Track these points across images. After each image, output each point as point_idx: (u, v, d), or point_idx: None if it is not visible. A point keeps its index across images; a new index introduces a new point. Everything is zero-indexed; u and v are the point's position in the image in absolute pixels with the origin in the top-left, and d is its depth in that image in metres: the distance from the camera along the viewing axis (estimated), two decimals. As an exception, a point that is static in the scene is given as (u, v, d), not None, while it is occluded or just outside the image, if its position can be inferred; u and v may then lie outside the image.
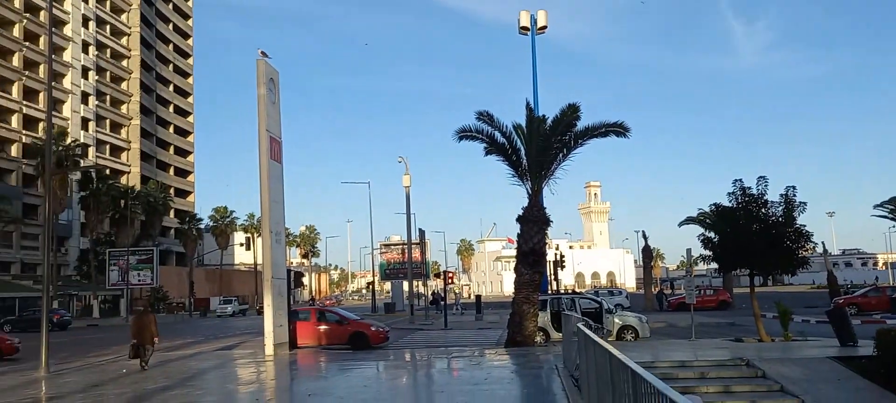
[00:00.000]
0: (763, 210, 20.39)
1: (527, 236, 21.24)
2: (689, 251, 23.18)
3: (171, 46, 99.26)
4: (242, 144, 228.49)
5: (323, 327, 24.25)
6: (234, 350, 25.09)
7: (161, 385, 14.85)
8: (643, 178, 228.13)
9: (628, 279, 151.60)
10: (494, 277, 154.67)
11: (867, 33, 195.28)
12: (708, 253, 21.61)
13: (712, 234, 21.59)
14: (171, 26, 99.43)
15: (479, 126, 21.78)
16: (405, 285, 63.78)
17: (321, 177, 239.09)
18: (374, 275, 63.32)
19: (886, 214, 37.21)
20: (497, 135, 21.67)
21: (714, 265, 23.12)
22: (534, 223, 21.28)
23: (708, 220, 22.64)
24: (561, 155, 21.35)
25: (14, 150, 66.23)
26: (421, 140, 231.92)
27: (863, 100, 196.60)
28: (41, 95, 69.44)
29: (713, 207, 21.71)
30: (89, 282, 66.94)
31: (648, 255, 49.41)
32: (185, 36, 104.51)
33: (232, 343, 29.34)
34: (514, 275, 21.77)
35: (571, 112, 20.66)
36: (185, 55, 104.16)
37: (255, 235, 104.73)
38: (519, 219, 21.63)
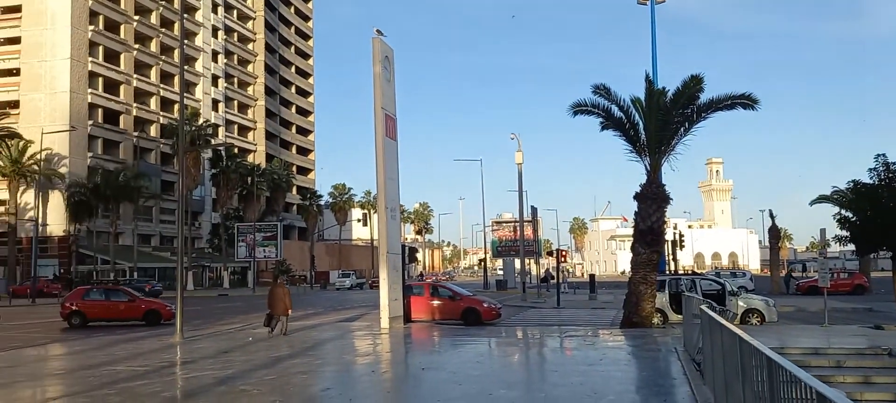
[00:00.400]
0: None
1: (644, 214, 20.48)
2: (823, 231, 21.79)
3: (292, 29, 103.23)
4: (360, 123, 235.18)
5: (436, 302, 24.54)
6: (352, 322, 25.85)
7: (284, 354, 15.49)
8: (769, 155, 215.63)
9: (752, 261, 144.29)
10: (608, 256, 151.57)
11: None
12: (845, 233, 20.08)
13: (850, 214, 20.01)
14: (292, 9, 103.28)
15: (596, 100, 21.12)
16: (517, 262, 63.65)
17: (434, 154, 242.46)
18: (485, 252, 63.56)
19: None
20: (614, 109, 20.94)
21: (850, 247, 21.44)
22: (652, 200, 20.47)
23: (844, 199, 21.01)
24: (682, 129, 20.37)
25: (153, 131, 71.23)
26: (534, 116, 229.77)
27: None
28: (176, 78, 74.12)
29: (851, 185, 20.09)
30: (220, 255, 71.30)
31: (775, 235, 46.61)
32: (306, 18, 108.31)
33: (350, 315, 30.28)
34: (631, 255, 21.07)
35: (694, 84, 19.62)
36: (306, 37, 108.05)
37: (372, 211, 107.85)
38: (636, 197, 20.88)
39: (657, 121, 20.08)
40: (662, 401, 9.07)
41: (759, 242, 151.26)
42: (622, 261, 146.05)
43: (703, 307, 9.94)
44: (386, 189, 21.96)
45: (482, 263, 72.04)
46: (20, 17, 62.53)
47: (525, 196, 41.26)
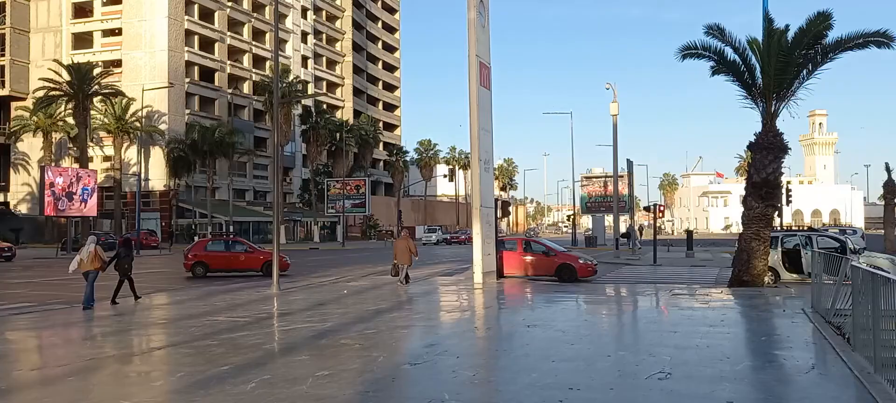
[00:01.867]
0: None
1: (760, 165, 18.97)
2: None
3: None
4: (444, 80, 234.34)
5: (529, 258, 23.83)
6: (444, 277, 25.51)
7: (383, 307, 15.20)
8: (879, 107, 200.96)
9: (855, 219, 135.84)
10: (699, 213, 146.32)
11: None
12: None
13: None
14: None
15: (708, 42, 19.56)
16: (608, 219, 61.92)
17: (519, 108, 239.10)
18: (574, 208, 62.20)
19: None
20: (728, 51, 19.34)
21: None
22: (768, 150, 18.92)
23: None
24: (805, 72, 18.62)
25: (246, 88, 72.86)
26: (623, 70, 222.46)
27: None
28: (268, 35, 75.33)
29: None
30: (310, 209, 72.82)
31: (892, 190, 43.09)
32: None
33: (441, 269, 30.02)
34: (743, 209, 19.64)
35: (821, 21, 17.79)
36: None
37: (457, 167, 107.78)
38: (751, 146, 19.38)
39: (778, 64, 18.39)
40: (810, 367, 8.06)
41: (864, 199, 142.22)
42: (714, 219, 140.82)
43: (858, 263, 8.79)
44: (480, 140, 21.23)
45: (570, 219, 70.49)
46: (121, -21, 64.75)
47: (617, 150, 39.57)
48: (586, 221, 78.56)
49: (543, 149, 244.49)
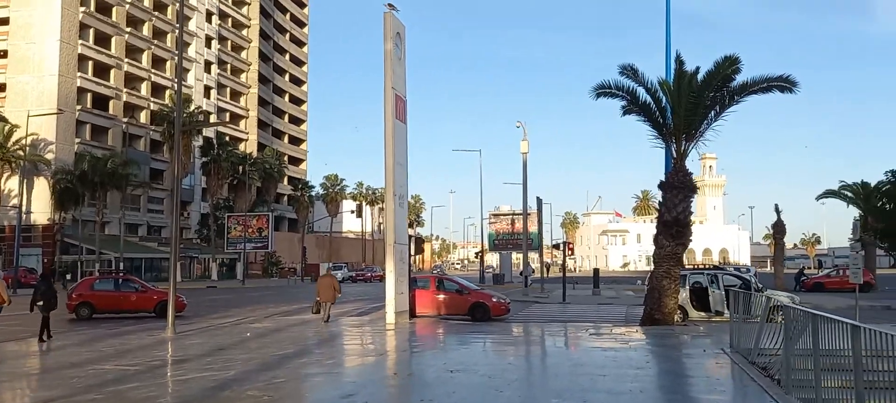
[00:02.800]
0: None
1: (670, 204, 19.25)
2: (856, 221, 20.47)
3: (288, 16, 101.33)
4: (353, 113, 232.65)
5: (442, 296, 23.25)
6: (353, 317, 24.52)
7: (290, 352, 14.14)
8: (758, 150, 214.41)
9: (742, 257, 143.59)
10: (599, 251, 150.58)
11: None
12: (877, 226, 18.93)
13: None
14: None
15: (621, 81, 19.85)
16: (515, 256, 62.30)
17: (425, 144, 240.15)
18: (482, 246, 62.34)
19: None
20: (640, 91, 19.71)
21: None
22: (678, 189, 19.25)
23: (858, 195, 19.81)
24: (713, 113, 19.15)
25: (143, 117, 69.32)
26: (527, 111, 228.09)
27: None
28: (168, 63, 72.24)
29: (891, 176, 18.89)
30: (208, 246, 69.61)
31: (780, 230, 45.52)
32: (302, 5, 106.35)
33: (348, 308, 28.94)
34: (654, 247, 19.84)
35: (730, 64, 18.36)
36: (301, 24, 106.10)
37: (365, 203, 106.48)
38: (661, 186, 19.68)
39: (688, 105, 18.82)
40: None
41: (750, 239, 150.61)
42: (613, 257, 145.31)
43: (784, 300, 8.68)
44: (394, 174, 20.63)
45: (478, 256, 70.64)
46: (7, -3, 60.58)
47: (520, 188, 39.88)
48: (492, 259, 79.03)
49: (450, 185, 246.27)
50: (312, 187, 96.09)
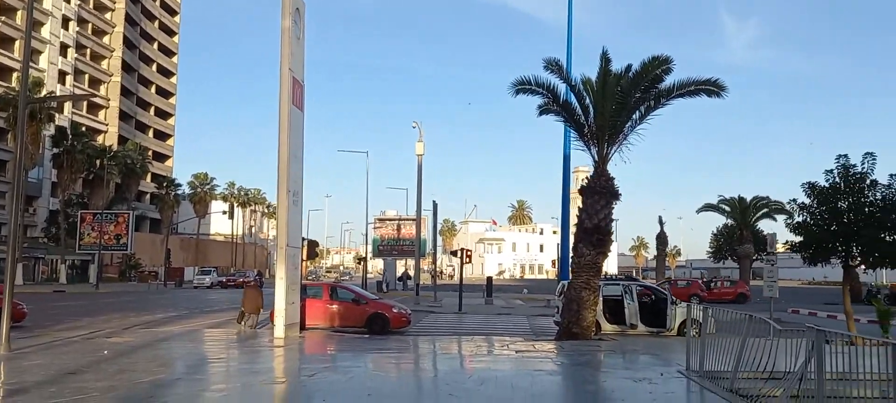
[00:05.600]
0: (872, 191, 17.39)
1: (592, 210, 17.97)
2: (772, 236, 20.17)
3: (158, 2, 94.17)
4: (224, 111, 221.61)
5: (336, 306, 20.91)
6: (230, 329, 21.54)
7: (164, 377, 11.40)
8: (621, 169, 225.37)
9: (610, 268, 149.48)
10: (476, 259, 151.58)
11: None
12: (798, 238, 18.63)
13: (804, 217, 18.56)
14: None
15: (542, 78, 18.41)
16: (402, 263, 60.48)
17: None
18: (366, 251, 59.86)
19: None
20: (561, 89, 18.38)
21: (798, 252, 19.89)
22: (600, 195, 18.02)
23: (734, 209, 19.45)
24: (638, 115, 18.08)
25: (-17, 100, 61.19)
26: (404, 113, 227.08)
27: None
28: (17, 43, 64.46)
29: (807, 187, 18.60)
30: (57, 245, 62.56)
31: (663, 242, 46.66)
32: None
33: (222, 319, 25.77)
34: (572, 255, 18.54)
35: (659, 64, 17.33)
36: (173, 12, 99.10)
37: (236, 204, 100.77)
38: (582, 191, 18.38)
39: (612, 106, 17.65)
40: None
41: (616, 249, 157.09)
42: (489, 265, 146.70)
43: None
44: (289, 167, 18.05)
45: (361, 263, 68.10)
46: None
47: (404, 193, 38.10)
48: (375, 265, 76.76)
49: (326, 189, 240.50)
50: (179, 185, 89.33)
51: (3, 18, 63.41)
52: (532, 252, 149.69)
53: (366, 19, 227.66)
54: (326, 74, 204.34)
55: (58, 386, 10.27)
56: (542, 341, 18.07)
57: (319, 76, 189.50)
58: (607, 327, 19.85)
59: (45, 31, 68.53)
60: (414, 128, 39.12)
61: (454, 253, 34.40)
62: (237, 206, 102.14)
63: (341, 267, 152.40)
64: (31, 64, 60.85)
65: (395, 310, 21.10)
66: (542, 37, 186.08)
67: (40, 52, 67.53)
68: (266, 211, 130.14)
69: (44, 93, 59.89)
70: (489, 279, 39.70)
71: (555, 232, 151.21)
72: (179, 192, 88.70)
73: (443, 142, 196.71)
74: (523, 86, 18.42)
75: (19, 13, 64.91)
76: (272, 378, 11.94)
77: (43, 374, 11.44)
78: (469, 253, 32.14)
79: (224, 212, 77.30)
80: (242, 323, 20.29)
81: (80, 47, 76.30)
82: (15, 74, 62.21)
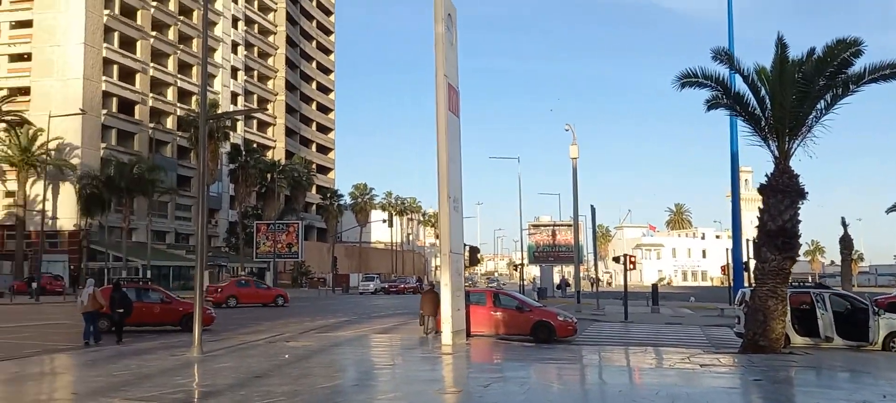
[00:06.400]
0: None
1: (775, 211, 16.47)
2: None
3: (314, 23, 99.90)
4: (380, 123, 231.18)
5: (499, 313, 20.65)
6: (397, 335, 21.98)
7: (343, 382, 11.69)
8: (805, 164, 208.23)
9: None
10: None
11: None
12: None
13: None
14: (314, 2, 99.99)
15: (709, 70, 17.18)
16: (557, 270, 59.60)
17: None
18: (522, 258, 59.57)
19: None
20: (734, 80, 17.05)
21: None
22: (784, 194, 16.46)
23: None
24: (822, 104, 16.35)
25: (169, 123, 67.78)
26: (552, 121, 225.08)
27: None
28: (194, 68, 70.77)
29: None
30: (237, 254, 67.70)
31: (848, 246, 42.35)
32: (328, 12, 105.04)
33: (389, 324, 26.45)
34: (756, 262, 17.07)
35: (845, 47, 15.56)
36: (328, 32, 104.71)
37: (393, 213, 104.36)
38: (762, 189, 16.91)
39: (795, 94, 16.07)
40: None
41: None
42: (648, 271, 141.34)
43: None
44: (448, 173, 18.09)
45: (518, 269, 67.92)
46: (32, 0, 59.33)
47: (563, 201, 37.17)
48: (532, 271, 76.28)
49: (476, 197, 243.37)
50: (341, 196, 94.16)
51: (181, 47, 69.71)
52: (693, 257, 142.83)
53: (511, 24, 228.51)
54: (473, 80, 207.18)
55: (246, 390, 10.76)
56: (724, 354, 16.76)
57: (467, 82, 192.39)
58: (797, 339, 18.07)
59: (217, 57, 74.58)
60: (567, 130, 38.37)
61: (617, 260, 33.19)
62: (395, 215, 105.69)
63: (495, 274, 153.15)
64: (207, 87, 66.35)
65: (560, 318, 20.54)
66: (692, 33, 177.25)
67: (214, 76, 73.53)
68: (422, 219, 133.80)
69: (219, 113, 65.20)
70: (654, 286, 37.92)
71: (718, 237, 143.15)
72: (342, 203, 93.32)
73: (594, 146, 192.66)
74: (690, 80, 17.27)
75: (195, 41, 71.12)
76: (445, 387, 11.86)
77: (232, 377, 12.08)
78: (633, 259, 30.75)
79: (384, 221, 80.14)
80: (424, 325, 20.68)
81: (248, 70, 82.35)
82: (194, 97, 68.18)
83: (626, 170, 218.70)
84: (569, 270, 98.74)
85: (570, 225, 53.61)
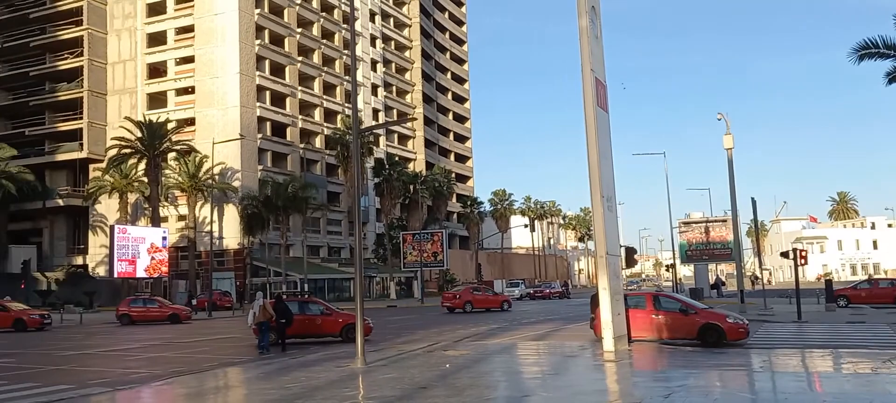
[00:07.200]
0: None
1: None
2: None
3: (447, 34, 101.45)
4: (516, 127, 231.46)
5: (661, 317, 19.50)
6: (552, 340, 21.40)
7: (506, 394, 11.30)
8: None
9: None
10: (791, 261, 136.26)
11: None
12: None
13: None
14: (447, 14, 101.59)
15: (891, 39, 15.34)
16: (712, 268, 56.37)
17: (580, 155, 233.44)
18: (675, 257, 56.92)
19: None
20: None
21: None
22: None
23: None
24: None
25: (318, 142, 71.13)
26: (699, 117, 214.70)
27: None
28: (338, 89, 73.88)
29: None
30: (385, 264, 69.73)
31: None
32: (460, 23, 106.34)
33: (542, 330, 25.90)
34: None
35: None
36: (460, 42, 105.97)
37: (533, 217, 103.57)
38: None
39: None
40: None
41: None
42: (812, 266, 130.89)
43: None
44: (600, 171, 17.32)
45: (670, 269, 65.04)
46: (193, 37, 64.42)
47: (701, 196, 34.82)
48: (685, 271, 72.86)
49: (619, 196, 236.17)
50: (481, 203, 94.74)
51: (325, 69, 72.96)
52: (863, 249, 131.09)
53: (647, 19, 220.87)
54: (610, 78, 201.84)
55: (413, 402, 10.66)
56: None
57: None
58: None
59: (358, 76, 77.28)
60: (719, 120, 35.95)
61: (784, 255, 30.61)
62: (535, 219, 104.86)
63: (643, 275, 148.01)
64: (349, 105, 69.25)
65: (730, 321, 19.09)
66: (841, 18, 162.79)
67: (356, 94, 76.25)
68: (562, 222, 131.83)
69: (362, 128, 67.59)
70: (828, 282, 34.67)
71: (890, 226, 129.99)
72: (482, 210, 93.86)
73: (743, 135, 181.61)
74: (868, 50, 15.57)
75: (337, 62, 74.27)
76: (619, 398, 11.19)
77: (397, 388, 12.07)
78: (804, 253, 28.25)
79: (525, 226, 79.65)
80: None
81: (387, 86, 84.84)
82: (339, 116, 71.10)
83: (778, 158, 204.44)
84: (722, 268, 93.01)
85: (724, 221, 50.51)
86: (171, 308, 38.56)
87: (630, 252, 28.34)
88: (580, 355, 17.06)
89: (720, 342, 18.41)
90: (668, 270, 70.13)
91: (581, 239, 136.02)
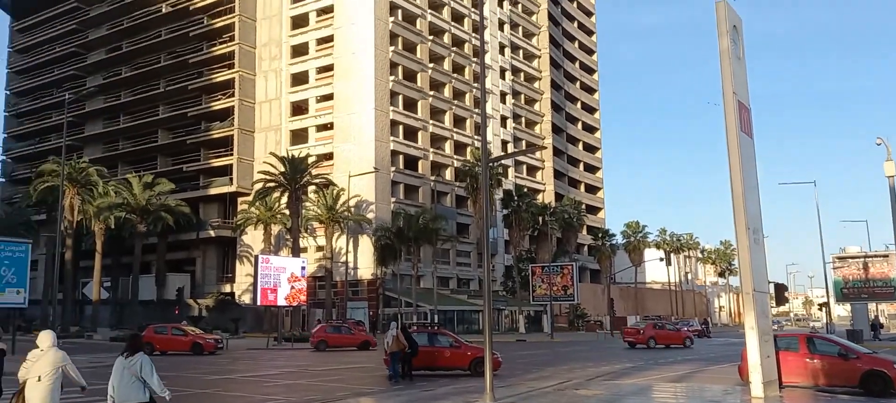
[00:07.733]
0: None
1: None
2: None
3: (577, 64, 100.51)
4: (650, 158, 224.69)
5: (816, 361, 17.88)
6: (693, 382, 20.14)
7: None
8: None
9: None
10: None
11: None
12: None
13: None
14: (576, 44, 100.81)
15: None
16: (872, 308, 51.65)
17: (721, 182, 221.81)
18: (828, 295, 52.57)
19: None
20: None
21: None
22: None
23: None
24: None
25: (448, 174, 72.26)
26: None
27: None
28: (468, 122, 74.88)
29: None
30: (513, 297, 69.21)
31: None
32: (590, 52, 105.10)
33: (680, 372, 24.50)
34: None
35: None
36: (591, 71, 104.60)
37: (668, 251, 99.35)
38: None
39: None
40: None
41: None
42: None
43: None
44: (745, 201, 16.15)
45: (825, 308, 60.16)
46: (332, 75, 67.74)
47: (844, 227, 31.58)
48: (840, 311, 67.00)
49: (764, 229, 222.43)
50: (613, 235, 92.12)
51: (455, 102, 74.20)
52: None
53: (793, 37, 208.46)
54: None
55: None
56: None
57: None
58: None
59: (488, 108, 78.04)
60: (879, 144, 32.85)
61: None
62: (671, 252, 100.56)
63: (790, 313, 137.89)
64: (479, 138, 69.85)
65: (898, 368, 17.20)
66: None
67: (485, 126, 76.90)
68: (700, 256, 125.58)
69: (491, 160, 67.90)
70: None
71: None
72: (614, 242, 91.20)
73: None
74: None
75: (467, 96, 75.45)
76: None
77: (528, 427, 11.69)
78: None
79: (661, 259, 76.58)
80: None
81: (516, 117, 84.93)
82: (468, 149, 71.92)
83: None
84: (883, 309, 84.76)
85: (886, 256, 46.32)
86: (363, 336, 41.36)
87: (780, 289, 26.30)
88: (724, 400, 15.90)
89: (887, 391, 16.62)
90: (820, 309, 64.79)
91: (722, 274, 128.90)
